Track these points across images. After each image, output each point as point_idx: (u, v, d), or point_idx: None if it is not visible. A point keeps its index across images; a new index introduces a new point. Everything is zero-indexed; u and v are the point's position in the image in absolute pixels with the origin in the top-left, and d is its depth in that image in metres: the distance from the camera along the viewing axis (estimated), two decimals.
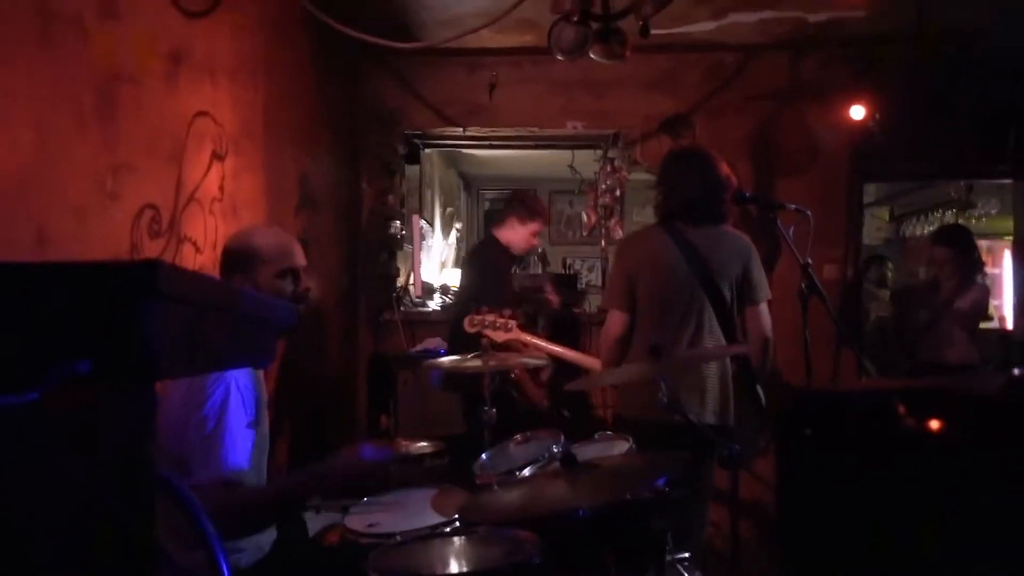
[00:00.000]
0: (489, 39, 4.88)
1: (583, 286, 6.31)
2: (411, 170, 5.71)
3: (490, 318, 3.49)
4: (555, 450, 2.32)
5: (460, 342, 3.69)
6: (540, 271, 6.41)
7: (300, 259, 2.31)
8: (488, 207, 9.96)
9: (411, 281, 5.47)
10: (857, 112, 4.82)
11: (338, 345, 4.79)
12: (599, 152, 5.53)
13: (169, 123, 2.55)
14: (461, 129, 5.27)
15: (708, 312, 2.87)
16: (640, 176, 5.25)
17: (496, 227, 4.38)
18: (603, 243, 5.27)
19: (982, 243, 9.11)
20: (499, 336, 3.37)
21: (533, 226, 4.31)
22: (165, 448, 1.97)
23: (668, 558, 2.31)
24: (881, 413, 0.66)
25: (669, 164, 3.11)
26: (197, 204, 2.73)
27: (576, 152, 5.88)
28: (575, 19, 3.13)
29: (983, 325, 4.97)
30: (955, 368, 4.05)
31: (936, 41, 4.73)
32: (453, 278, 6.48)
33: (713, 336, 2.86)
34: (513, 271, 4.78)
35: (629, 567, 2.18)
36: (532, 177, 9.14)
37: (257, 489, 2.06)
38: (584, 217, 5.71)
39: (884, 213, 9.00)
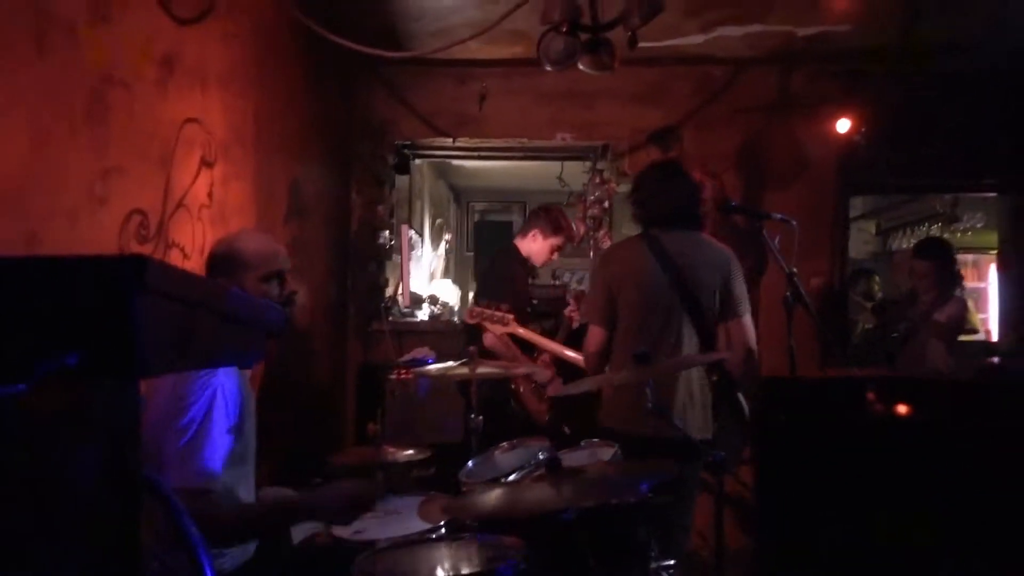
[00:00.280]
0: (479, 50, 4.92)
1: None
2: (401, 181, 5.73)
3: (488, 311, 3.52)
4: (541, 457, 2.33)
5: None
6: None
7: (285, 263, 2.31)
8: (478, 219, 9.99)
9: (400, 291, 5.48)
10: (844, 126, 4.88)
11: (327, 354, 4.79)
12: (588, 164, 5.56)
13: (159, 129, 2.56)
14: (451, 140, 5.30)
15: (687, 324, 2.88)
16: (629, 188, 5.27)
17: (519, 237, 4.38)
18: (592, 255, 5.30)
19: (967, 257, 9.22)
20: (497, 329, 3.40)
21: (555, 240, 4.29)
22: (146, 449, 1.97)
23: (653, 565, 2.32)
24: (852, 399, 0.67)
25: (643, 176, 3.17)
26: (185, 210, 2.73)
27: (565, 164, 5.92)
28: (564, 30, 3.15)
29: (969, 337, 5.01)
30: None
31: (922, 56, 4.80)
32: (442, 289, 6.49)
33: (692, 348, 2.87)
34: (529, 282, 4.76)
35: (614, 574, 2.19)
36: (521, 189, 9.18)
37: (238, 506, 2.05)
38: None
39: (871, 227, 9.07)
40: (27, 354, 0.88)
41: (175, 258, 2.64)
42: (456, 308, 6.27)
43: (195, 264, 2.74)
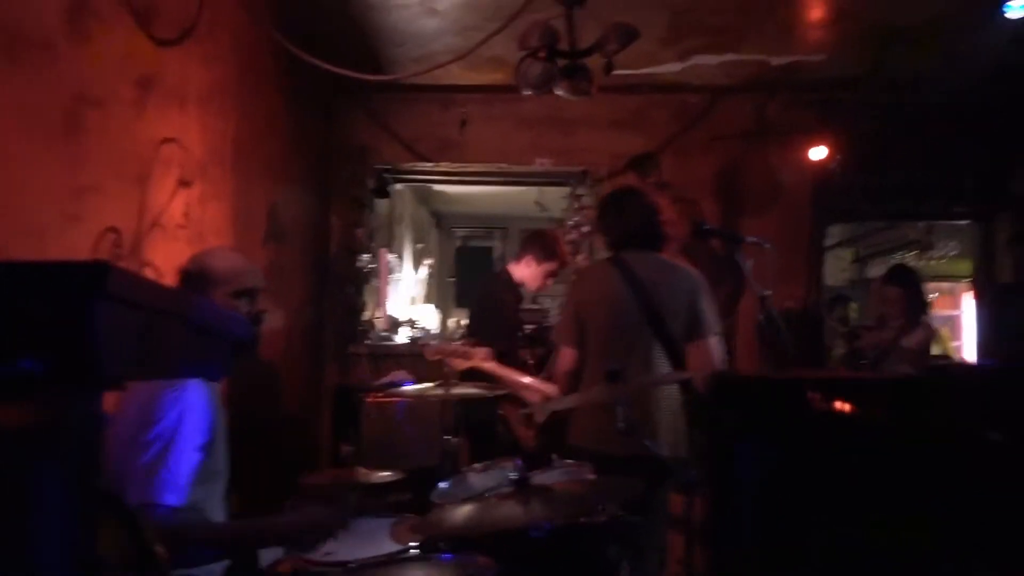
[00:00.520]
0: (460, 76, 4.97)
1: None
2: (381, 205, 5.75)
3: (450, 348, 3.49)
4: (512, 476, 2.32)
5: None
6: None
7: (256, 280, 2.31)
8: (460, 244, 10.02)
9: (378, 315, 5.47)
10: (819, 153, 4.96)
11: (303, 376, 4.76)
12: (567, 189, 5.60)
13: (135, 148, 2.56)
14: (431, 164, 5.32)
15: (655, 345, 2.91)
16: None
17: (513, 263, 4.34)
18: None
19: (943, 285, 9.34)
20: (459, 364, 3.37)
21: (549, 266, 4.23)
22: (112, 464, 1.95)
23: None
24: (793, 396, 0.69)
25: (603, 203, 3.30)
26: (161, 229, 2.73)
27: (545, 189, 5.96)
28: (541, 56, 3.19)
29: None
30: None
31: (892, 86, 4.90)
32: (422, 313, 6.49)
33: (661, 368, 2.90)
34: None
35: None
36: (503, 215, 9.23)
37: (203, 523, 2.04)
38: None
39: (848, 254, 9.18)
40: None
41: (149, 277, 2.63)
42: (435, 332, 6.26)
43: (170, 283, 2.74)
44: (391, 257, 5.83)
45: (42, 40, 2.04)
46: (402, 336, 5.52)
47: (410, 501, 3.68)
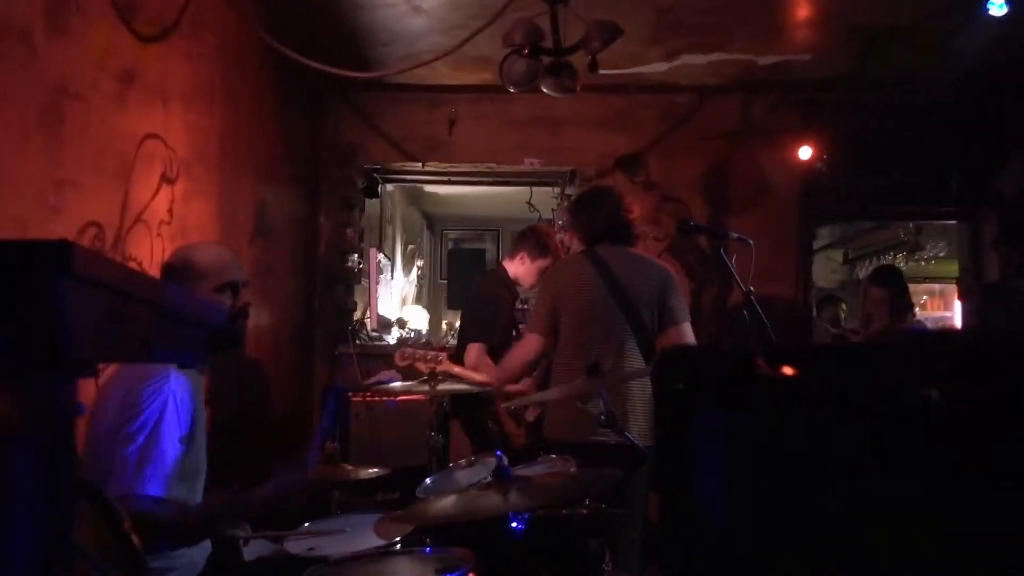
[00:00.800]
0: (448, 76, 4.98)
1: None
2: (372, 206, 5.75)
3: (420, 352, 3.51)
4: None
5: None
6: None
7: (239, 275, 2.31)
8: (451, 246, 10.02)
9: (367, 315, 5.47)
10: (806, 153, 4.98)
11: (292, 376, 4.76)
12: (556, 189, 5.62)
13: (117, 143, 2.56)
14: (420, 164, 5.33)
15: (628, 336, 3.00)
16: None
17: (507, 259, 4.35)
18: None
19: (933, 287, 9.37)
20: (426, 368, 3.38)
21: (543, 262, 4.21)
22: (95, 456, 1.95)
23: None
24: (740, 364, 0.70)
25: (576, 201, 3.48)
26: (144, 225, 2.72)
27: (534, 190, 5.97)
28: (525, 53, 3.20)
29: None
30: None
31: (879, 86, 4.92)
32: (412, 314, 6.49)
33: (633, 359, 3.00)
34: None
35: None
36: (494, 217, 9.23)
37: (182, 508, 2.04)
38: None
39: (838, 256, 9.21)
40: None
41: None
42: (425, 332, 6.27)
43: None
44: (381, 257, 5.83)
45: (21, 32, 2.04)
46: (392, 336, 5.52)
47: (397, 500, 3.69)
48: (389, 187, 6.28)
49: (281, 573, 2.17)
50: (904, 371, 0.62)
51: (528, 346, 3.20)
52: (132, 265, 2.62)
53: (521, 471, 2.34)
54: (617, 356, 2.95)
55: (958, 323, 8.90)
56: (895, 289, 4.23)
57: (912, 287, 4.89)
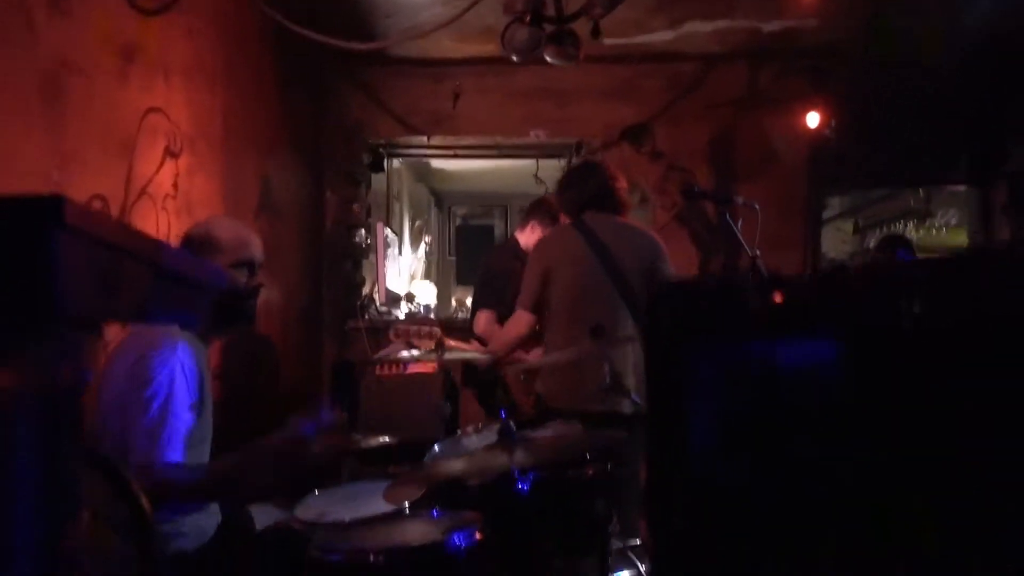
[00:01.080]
0: (452, 49, 4.96)
1: None
2: (378, 182, 5.75)
3: (414, 328, 3.53)
4: None
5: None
6: None
7: (257, 252, 2.33)
8: (459, 223, 10.02)
9: (376, 289, 5.48)
10: (813, 120, 4.93)
11: (301, 351, 4.78)
12: (563, 161, 5.60)
13: (119, 117, 2.57)
14: (425, 138, 5.32)
15: (619, 303, 3.03)
16: None
17: (519, 230, 4.37)
18: None
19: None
20: (424, 344, 3.40)
21: None
22: (106, 429, 1.97)
23: (618, 545, 2.33)
24: (733, 294, 0.70)
25: (565, 175, 3.55)
26: (149, 199, 2.73)
27: (541, 162, 5.95)
28: (527, 20, 3.18)
29: None
30: None
31: (887, 50, 4.85)
32: (421, 289, 6.50)
33: (624, 327, 3.02)
34: None
35: (573, 551, 2.20)
36: (502, 193, 9.21)
37: (191, 471, 2.06)
38: None
39: (848, 226, 9.12)
40: None
41: None
42: (434, 306, 6.28)
43: None
44: (388, 232, 5.83)
45: (21, 6, 2.04)
46: (401, 311, 5.54)
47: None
48: (395, 163, 6.28)
49: (289, 536, 2.19)
50: (889, 289, 0.62)
51: (519, 323, 3.23)
52: None
53: (527, 434, 2.35)
54: (610, 324, 2.96)
55: None
56: (902, 255, 4.21)
57: (923, 257, 4.87)
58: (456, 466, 1.87)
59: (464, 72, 5.17)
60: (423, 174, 8.29)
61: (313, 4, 4.13)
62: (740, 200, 3.23)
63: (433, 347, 3.17)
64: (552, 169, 5.91)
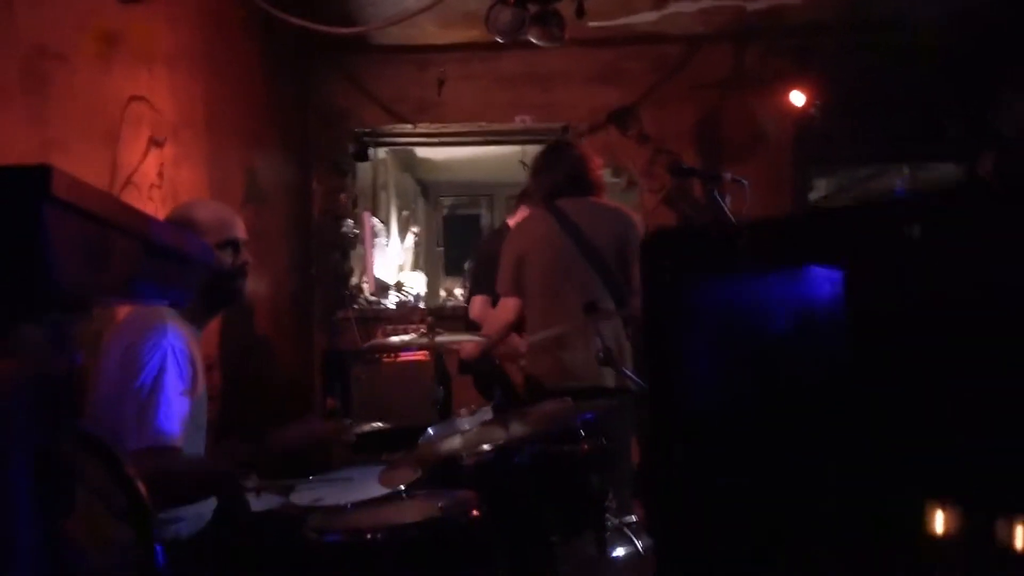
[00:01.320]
0: (436, 35, 4.93)
1: None
2: (364, 172, 5.72)
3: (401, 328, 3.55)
4: None
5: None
6: None
7: (240, 231, 2.31)
8: (447, 213, 10.00)
9: (364, 279, 5.47)
10: (799, 99, 4.93)
11: (291, 342, 4.77)
12: None
13: (102, 105, 2.54)
14: (411, 126, 5.29)
15: (596, 282, 3.05)
16: None
17: (510, 215, 4.40)
18: None
19: None
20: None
21: None
22: (102, 418, 1.96)
23: (615, 521, 2.34)
24: (724, 238, 0.70)
25: (536, 158, 3.50)
26: (135, 188, 2.71)
27: (527, 148, 5.93)
28: (511, 1, 3.17)
29: None
30: None
31: (871, 28, 4.86)
32: (410, 278, 6.49)
33: (603, 303, 3.03)
34: None
35: (570, 527, 2.20)
36: (488, 182, 9.19)
37: (193, 459, 2.05)
38: None
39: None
40: None
41: None
42: (423, 295, 6.27)
43: None
44: (376, 221, 5.81)
45: None
46: (391, 300, 5.52)
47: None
48: (381, 152, 6.24)
49: (286, 520, 2.19)
50: (886, 215, 0.62)
51: (506, 308, 3.25)
52: None
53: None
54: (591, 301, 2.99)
55: None
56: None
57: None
58: (451, 444, 1.86)
59: (448, 58, 5.15)
60: (409, 164, 8.26)
61: None
62: (728, 176, 3.23)
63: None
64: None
